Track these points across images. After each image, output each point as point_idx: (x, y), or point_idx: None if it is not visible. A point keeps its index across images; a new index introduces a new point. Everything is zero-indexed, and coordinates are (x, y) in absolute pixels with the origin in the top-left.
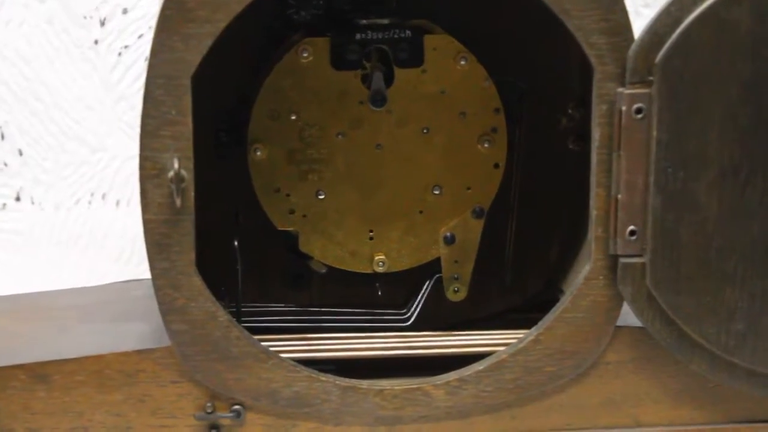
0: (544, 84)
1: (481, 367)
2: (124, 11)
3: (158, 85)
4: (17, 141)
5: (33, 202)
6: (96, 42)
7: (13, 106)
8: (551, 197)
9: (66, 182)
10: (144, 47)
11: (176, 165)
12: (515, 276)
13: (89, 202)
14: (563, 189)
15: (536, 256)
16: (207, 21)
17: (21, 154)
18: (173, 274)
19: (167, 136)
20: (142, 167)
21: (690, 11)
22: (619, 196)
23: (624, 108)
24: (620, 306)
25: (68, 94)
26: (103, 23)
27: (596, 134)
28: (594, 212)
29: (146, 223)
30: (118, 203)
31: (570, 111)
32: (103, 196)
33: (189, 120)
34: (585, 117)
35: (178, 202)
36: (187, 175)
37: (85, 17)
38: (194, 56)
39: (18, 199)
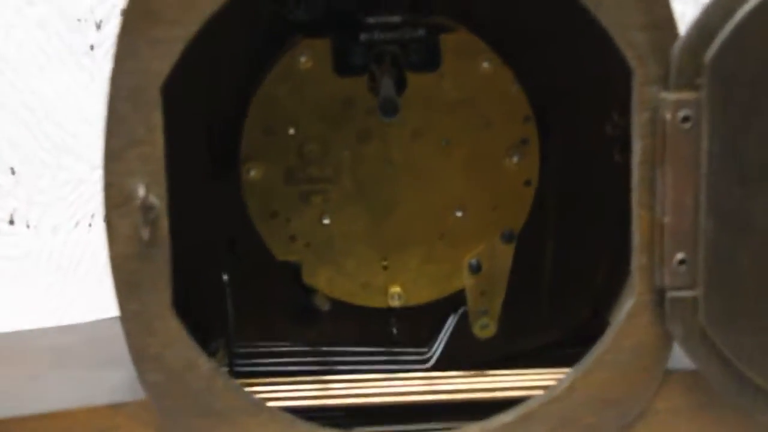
0: (581, 88)
1: (508, 419)
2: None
3: (122, 98)
4: (8, 158)
5: (28, 226)
6: (92, 47)
7: (3, 118)
8: (593, 216)
9: (64, 203)
10: None
11: (142, 191)
12: (554, 307)
13: (89, 225)
14: (609, 206)
15: (578, 283)
16: (176, 23)
17: (13, 172)
18: (146, 317)
19: (133, 159)
20: (106, 195)
21: (745, 1)
22: (665, 219)
23: (668, 116)
24: (670, 346)
25: (63, 106)
26: (99, 26)
27: (637, 147)
28: (636, 238)
29: (113, 258)
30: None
31: (615, 118)
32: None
33: (159, 138)
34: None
35: (145, 234)
36: (158, 202)
37: (79, 20)
38: (163, 64)
39: (11, 222)
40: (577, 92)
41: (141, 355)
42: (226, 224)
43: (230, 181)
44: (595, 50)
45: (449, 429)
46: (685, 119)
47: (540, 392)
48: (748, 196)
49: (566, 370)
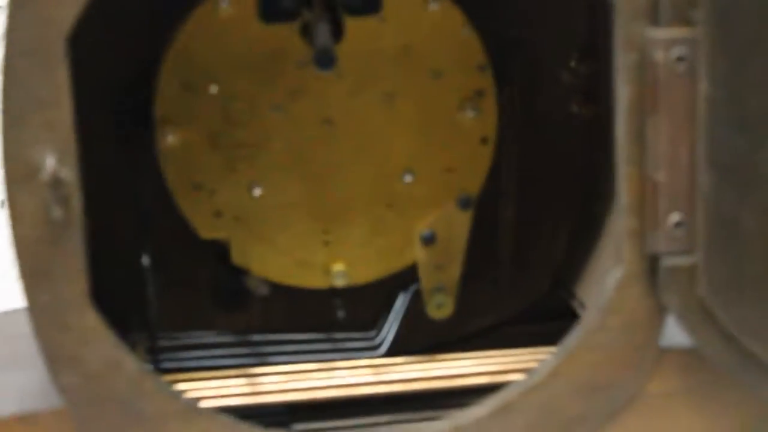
0: (537, 30)
1: (483, 412)
2: None
3: (21, 53)
4: None
5: None
6: None
7: None
8: (553, 176)
9: None
10: None
11: (51, 164)
12: (512, 280)
13: None
14: (568, 165)
15: (538, 252)
16: None
17: None
18: (59, 311)
19: (38, 125)
20: (7, 168)
21: None
22: (659, 176)
23: (659, 57)
24: (663, 322)
25: None
26: None
27: (623, 94)
28: (624, 198)
29: (19, 242)
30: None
31: (573, 64)
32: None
33: (66, 100)
34: (593, 71)
35: (57, 213)
36: (70, 175)
37: None
38: (67, 11)
39: None
40: (532, 36)
41: (54, 355)
42: (140, 199)
43: (144, 148)
44: None
45: (409, 423)
46: (679, 60)
47: (504, 377)
48: (751, 146)
49: (528, 350)
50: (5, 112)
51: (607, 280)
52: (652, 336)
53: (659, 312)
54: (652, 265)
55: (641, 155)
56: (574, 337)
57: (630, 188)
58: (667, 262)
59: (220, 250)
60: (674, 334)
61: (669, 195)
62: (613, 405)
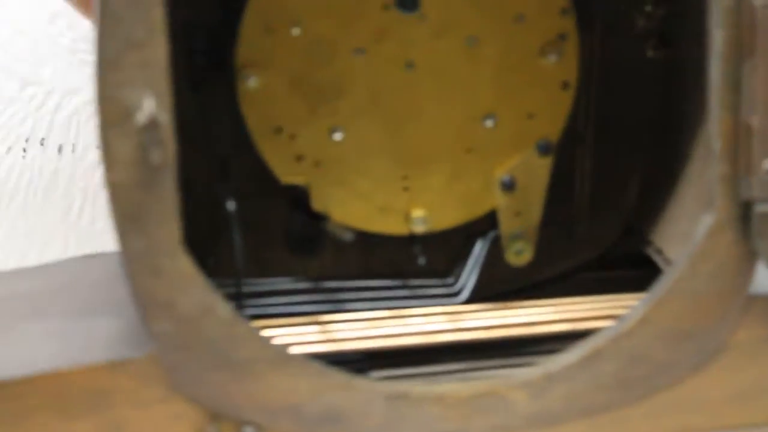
0: None
1: (573, 358)
2: None
3: None
4: None
5: None
6: None
7: None
8: (629, 122)
9: None
10: None
11: (149, 106)
12: (587, 225)
13: (24, 150)
14: (643, 110)
15: (613, 198)
16: None
17: None
18: (153, 256)
19: (134, 65)
20: (101, 111)
21: None
22: (754, 121)
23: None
24: (754, 268)
25: None
26: None
27: (717, 38)
28: (718, 144)
29: (113, 187)
30: (60, 149)
31: (648, 8)
32: (42, 142)
33: (163, 41)
34: (668, 15)
35: (156, 157)
36: (166, 118)
37: None
38: None
39: None
40: None
41: (148, 301)
42: (219, 143)
43: (223, 91)
44: None
45: (490, 369)
46: None
47: (582, 324)
48: None
49: (606, 297)
50: (100, 53)
51: (696, 227)
52: (742, 283)
53: (750, 259)
54: (744, 212)
55: (736, 100)
56: (663, 285)
57: (723, 133)
58: (761, 208)
59: (296, 195)
60: (763, 280)
61: (764, 140)
62: (702, 352)
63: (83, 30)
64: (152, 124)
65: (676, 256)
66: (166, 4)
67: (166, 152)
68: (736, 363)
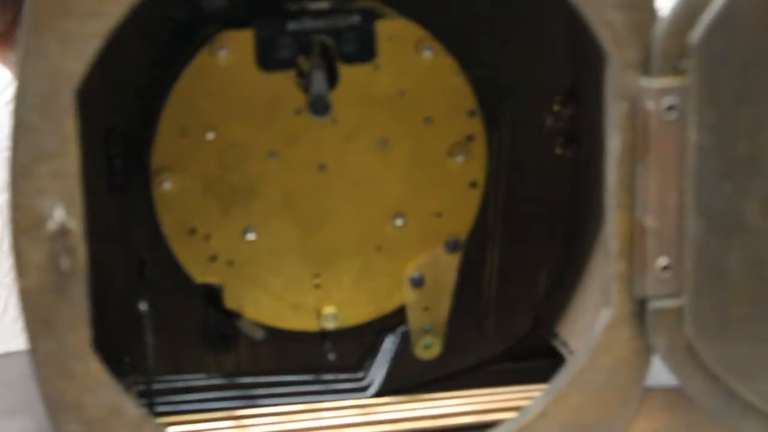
0: (525, 75)
1: None
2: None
3: (31, 106)
4: None
5: None
6: None
7: None
8: (536, 218)
9: None
10: None
11: (59, 215)
12: (496, 319)
13: None
14: (550, 207)
15: (522, 292)
16: (93, 15)
17: None
18: (63, 359)
19: (46, 175)
20: (13, 218)
21: None
22: (647, 221)
23: (651, 106)
24: (649, 361)
25: None
26: None
27: (614, 142)
28: (614, 243)
29: (24, 292)
30: None
31: (556, 108)
32: None
33: (74, 151)
34: (576, 114)
35: (65, 264)
36: (76, 225)
37: None
38: (77, 64)
39: None
40: (521, 82)
41: (57, 403)
42: (134, 245)
43: (142, 193)
44: (536, 34)
45: None
46: (670, 108)
47: (490, 416)
48: (737, 193)
49: (515, 389)
50: (13, 162)
51: (595, 322)
52: (638, 376)
53: (646, 353)
54: (640, 308)
55: (631, 201)
56: (562, 378)
57: (619, 233)
58: (655, 304)
59: (210, 294)
60: (658, 373)
61: (657, 239)
62: None
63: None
64: (62, 232)
65: (578, 349)
66: (82, 110)
67: (77, 259)
68: None
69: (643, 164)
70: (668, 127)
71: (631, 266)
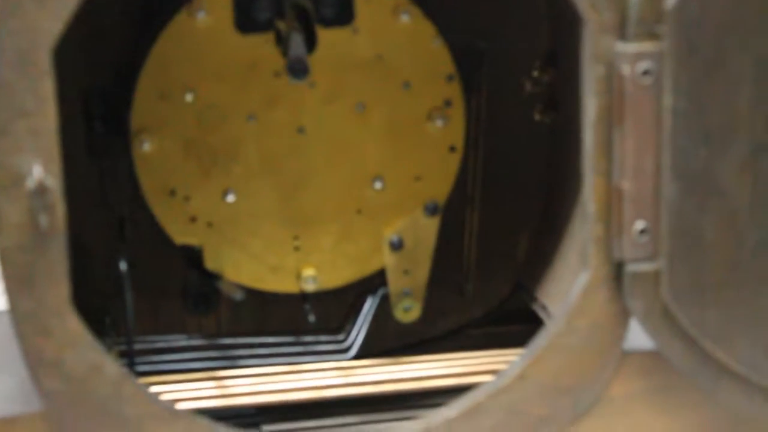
0: (503, 41)
1: (453, 413)
2: None
3: (7, 64)
4: None
5: None
6: None
7: None
8: (515, 182)
9: None
10: None
11: (38, 172)
12: (476, 283)
13: None
14: (529, 171)
15: (501, 256)
16: None
17: None
18: (42, 317)
19: (22, 133)
20: None
21: None
22: (624, 185)
23: (627, 70)
24: (627, 325)
25: None
26: None
27: (591, 106)
28: (591, 206)
29: (3, 250)
30: None
31: (535, 73)
32: None
33: (51, 110)
34: (555, 80)
35: (44, 221)
36: (54, 183)
37: None
38: (54, 23)
39: None
40: (499, 46)
41: (37, 360)
42: (115, 205)
43: (120, 155)
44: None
45: (377, 423)
46: (645, 73)
47: (470, 379)
48: (713, 157)
49: (495, 352)
50: None
51: (573, 285)
52: (616, 339)
53: (623, 316)
54: (617, 271)
55: (608, 165)
56: (540, 341)
57: (596, 196)
58: (632, 268)
59: (191, 255)
60: (636, 336)
61: (634, 203)
62: (578, 407)
63: None
64: (41, 190)
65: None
66: (60, 70)
67: (55, 217)
68: (612, 416)
69: (619, 128)
70: (644, 91)
71: (608, 230)
